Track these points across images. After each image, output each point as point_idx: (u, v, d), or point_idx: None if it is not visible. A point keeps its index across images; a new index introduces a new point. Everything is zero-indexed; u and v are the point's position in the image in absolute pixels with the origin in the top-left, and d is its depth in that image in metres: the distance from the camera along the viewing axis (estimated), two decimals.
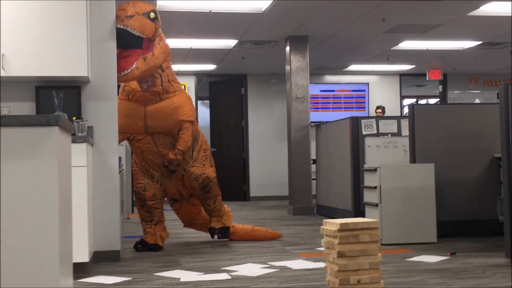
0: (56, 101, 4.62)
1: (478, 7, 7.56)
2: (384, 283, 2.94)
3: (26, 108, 4.83)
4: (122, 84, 5.44)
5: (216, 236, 5.87)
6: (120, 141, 5.29)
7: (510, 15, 7.90)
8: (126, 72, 4.93)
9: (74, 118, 4.63)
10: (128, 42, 4.94)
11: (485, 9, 7.66)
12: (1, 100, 4.78)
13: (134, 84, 5.35)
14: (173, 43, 9.15)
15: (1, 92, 4.78)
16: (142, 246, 5.49)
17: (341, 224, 2.89)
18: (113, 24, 4.94)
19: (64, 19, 4.56)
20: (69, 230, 2.92)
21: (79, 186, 4.27)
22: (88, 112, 4.89)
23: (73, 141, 4.23)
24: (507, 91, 4.66)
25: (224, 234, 5.80)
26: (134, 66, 4.95)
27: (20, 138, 2.40)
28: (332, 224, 2.95)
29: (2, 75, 4.47)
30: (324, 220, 3.02)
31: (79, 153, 4.29)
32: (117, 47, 4.95)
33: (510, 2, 7.40)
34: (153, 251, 5.42)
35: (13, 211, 2.36)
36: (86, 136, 4.36)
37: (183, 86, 12.23)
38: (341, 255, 2.90)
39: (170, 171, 5.53)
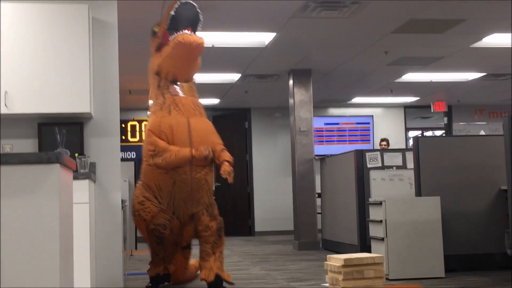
0: (58, 137, 4.65)
1: (481, 39, 7.63)
2: None
3: (29, 145, 4.84)
4: (158, 102, 5.19)
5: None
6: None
7: None
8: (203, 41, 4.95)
9: (76, 155, 4.65)
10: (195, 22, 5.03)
11: (488, 41, 7.73)
12: (1, 138, 4.81)
13: (159, 97, 5.18)
14: None
15: (2, 129, 4.81)
16: (159, 280, 5.29)
17: (345, 260, 2.88)
18: (115, 59, 4.99)
19: (67, 56, 4.61)
20: (71, 268, 2.91)
21: (81, 223, 4.26)
22: (90, 148, 4.91)
23: (75, 178, 4.24)
24: (511, 123, 4.67)
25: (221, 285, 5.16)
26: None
27: (21, 176, 2.41)
28: (336, 260, 2.94)
29: (4, 112, 4.50)
30: (328, 255, 3.01)
31: (81, 189, 4.29)
32: (186, 26, 4.96)
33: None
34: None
35: (13, 249, 2.36)
36: (88, 173, 4.37)
37: None
38: None
39: (229, 185, 5.31)
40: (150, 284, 5.32)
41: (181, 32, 4.91)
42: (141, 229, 5.34)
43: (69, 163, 2.76)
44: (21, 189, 2.40)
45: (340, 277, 2.85)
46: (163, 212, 5.10)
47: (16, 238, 2.36)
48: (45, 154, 2.45)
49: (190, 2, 4.99)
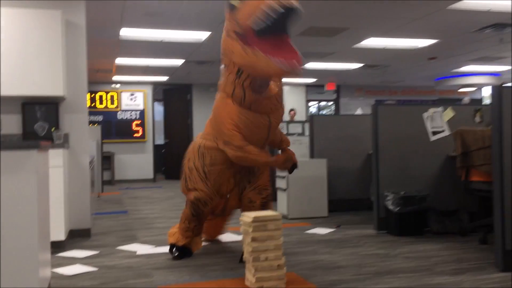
0: (38, 114, 4.47)
1: (360, 41, 7.78)
2: (284, 259, 3.02)
3: (15, 119, 4.63)
4: (237, 96, 3.31)
5: None
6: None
7: (382, 47, 8.18)
8: (302, 64, 2.97)
9: (53, 129, 4.48)
10: (287, 26, 2.93)
11: (366, 43, 7.89)
12: None
13: (237, 88, 3.30)
14: (135, 61, 8.96)
15: None
16: (180, 251, 3.81)
17: (254, 217, 2.95)
18: (84, 53, 4.79)
19: (45, 53, 4.38)
20: (47, 216, 2.85)
21: (57, 182, 4.15)
22: (64, 122, 4.75)
23: (52, 147, 4.11)
24: (376, 110, 4.85)
25: None
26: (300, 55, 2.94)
27: (8, 158, 2.32)
28: (247, 217, 3.01)
29: None
30: (242, 213, 3.07)
31: (57, 156, 4.17)
32: (268, 32, 2.90)
33: (382, 38, 7.65)
34: (186, 256, 3.82)
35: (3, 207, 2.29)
36: (62, 143, 4.24)
37: (142, 93, 11.90)
38: (254, 239, 2.96)
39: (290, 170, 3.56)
40: (174, 253, 3.82)
41: (279, 57, 2.91)
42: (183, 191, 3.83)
43: (44, 146, 2.67)
44: (8, 169, 2.32)
45: (250, 229, 2.94)
46: (207, 189, 3.59)
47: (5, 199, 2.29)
48: (25, 143, 2.36)
49: (290, 9, 2.80)
